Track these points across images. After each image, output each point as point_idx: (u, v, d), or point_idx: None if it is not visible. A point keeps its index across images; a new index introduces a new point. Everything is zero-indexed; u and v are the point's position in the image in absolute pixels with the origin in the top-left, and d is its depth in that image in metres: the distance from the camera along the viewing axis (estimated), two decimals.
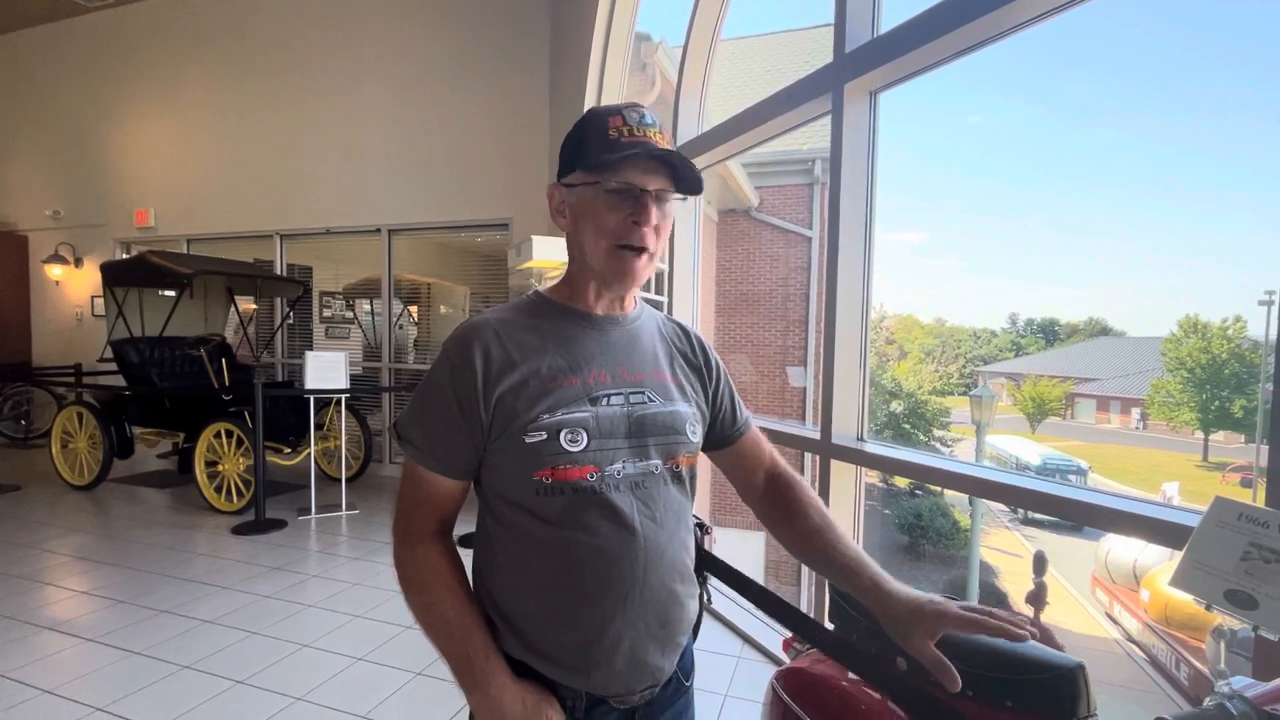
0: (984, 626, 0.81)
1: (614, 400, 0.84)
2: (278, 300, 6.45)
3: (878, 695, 1.30)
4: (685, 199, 0.86)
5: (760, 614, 2.99)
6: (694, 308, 3.61)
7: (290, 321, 6.43)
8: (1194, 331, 26.88)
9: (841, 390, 2.25)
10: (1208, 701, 0.70)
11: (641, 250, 0.82)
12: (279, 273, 6.37)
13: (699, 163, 3.34)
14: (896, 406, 19.19)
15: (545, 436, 0.79)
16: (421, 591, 0.82)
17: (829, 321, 2.27)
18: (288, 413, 4.90)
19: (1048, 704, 1.05)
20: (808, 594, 2.37)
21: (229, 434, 4.51)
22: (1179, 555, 0.80)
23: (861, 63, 2.13)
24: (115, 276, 5.14)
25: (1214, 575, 0.71)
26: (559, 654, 0.82)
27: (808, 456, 6.52)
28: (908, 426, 18.01)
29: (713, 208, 8.23)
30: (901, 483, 17.19)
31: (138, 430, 5.19)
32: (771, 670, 1.54)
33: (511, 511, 0.82)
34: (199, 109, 6.65)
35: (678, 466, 0.87)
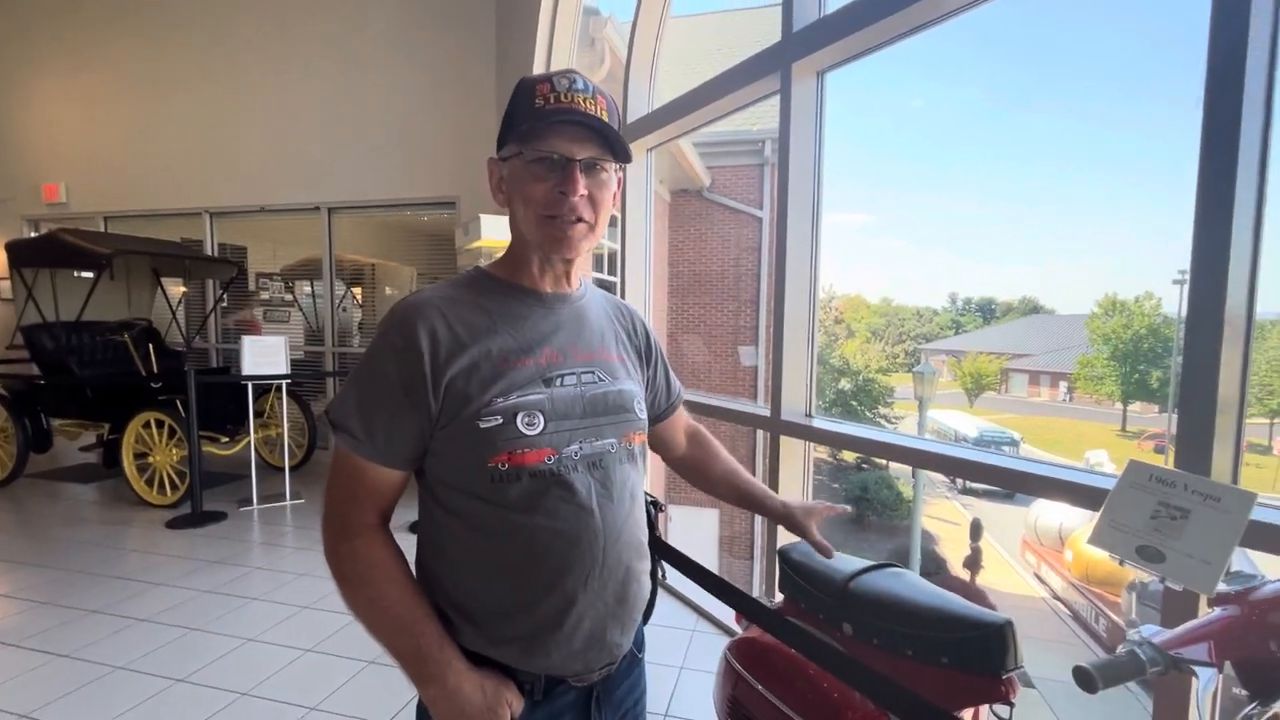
0: (824, 510, 1.13)
1: (568, 380, 0.82)
2: (209, 282, 6.12)
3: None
4: (622, 168, 0.84)
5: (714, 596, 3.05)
6: (646, 289, 3.60)
7: (224, 305, 6.11)
8: (1114, 309, 28.66)
9: (790, 368, 2.30)
10: (1120, 649, 0.75)
11: (575, 220, 0.80)
12: (209, 253, 6.03)
13: (649, 141, 3.31)
14: (845, 384, 19.77)
15: (500, 421, 0.76)
16: (363, 586, 0.77)
17: (778, 300, 2.30)
18: (225, 400, 4.68)
19: (979, 659, 1.12)
20: (760, 566, 2.45)
21: (159, 424, 4.27)
22: (1098, 516, 0.86)
23: (808, 42, 2.14)
24: (22, 257, 4.76)
25: (1127, 533, 0.76)
26: (518, 640, 0.80)
27: (759, 433, 6.66)
28: (855, 404, 18.61)
29: (665, 188, 8.21)
30: (849, 457, 17.79)
31: (56, 422, 4.86)
32: (725, 641, 1.58)
33: (462, 499, 0.79)
34: (115, 77, 6.17)
35: (631, 444, 0.87)
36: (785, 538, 1.41)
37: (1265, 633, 0.76)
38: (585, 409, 0.82)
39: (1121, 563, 0.77)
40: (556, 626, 0.79)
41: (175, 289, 6.11)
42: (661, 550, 1.17)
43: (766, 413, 2.36)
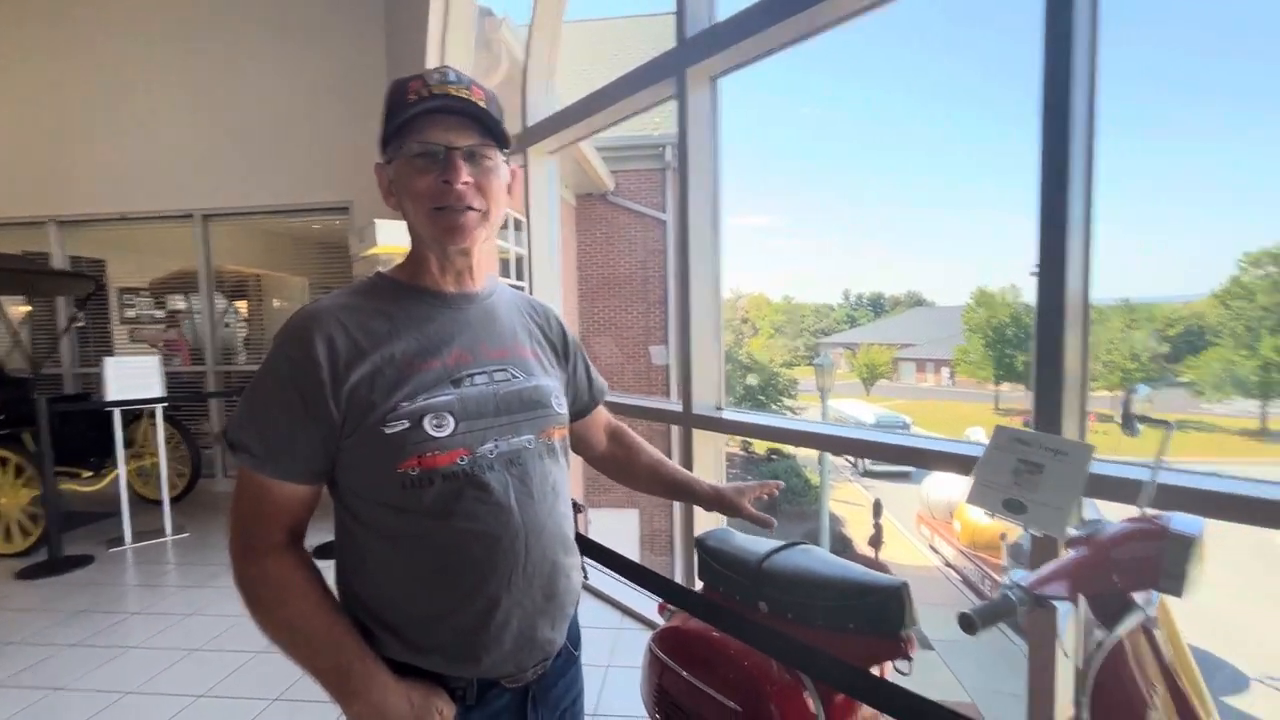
0: (759, 490, 1.19)
1: (478, 379, 0.81)
2: (61, 300, 5.44)
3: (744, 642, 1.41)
4: (508, 154, 0.84)
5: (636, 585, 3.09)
6: (557, 292, 3.59)
7: (80, 324, 5.45)
8: (984, 301, 31.73)
9: (699, 364, 2.37)
10: (995, 594, 0.84)
11: (464, 209, 0.79)
12: (58, 266, 5.36)
13: (550, 144, 3.31)
14: (752, 380, 20.53)
15: (407, 425, 0.74)
16: (277, 608, 0.75)
17: (683, 299, 2.37)
18: (85, 430, 4.18)
19: (880, 621, 1.21)
20: (681, 560, 2.51)
21: (3, 462, 3.75)
22: (972, 477, 0.96)
23: (702, 48, 2.22)
24: None
25: (995, 489, 0.86)
26: (445, 646, 0.78)
27: (674, 430, 6.80)
28: (763, 398, 19.39)
29: (570, 192, 8.20)
30: (760, 450, 18.52)
31: None
32: (649, 636, 1.61)
33: (375, 509, 0.77)
34: None
35: (550, 439, 0.87)
36: (702, 528, 1.46)
37: (1108, 568, 0.88)
38: (499, 407, 0.82)
39: (992, 516, 0.86)
40: (484, 629, 0.78)
41: (16, 309, 5.39)
42: (584, 546, 1.18)
43: (679, 408, 2.42)
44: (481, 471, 0.78)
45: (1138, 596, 0.86)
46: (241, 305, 6.01)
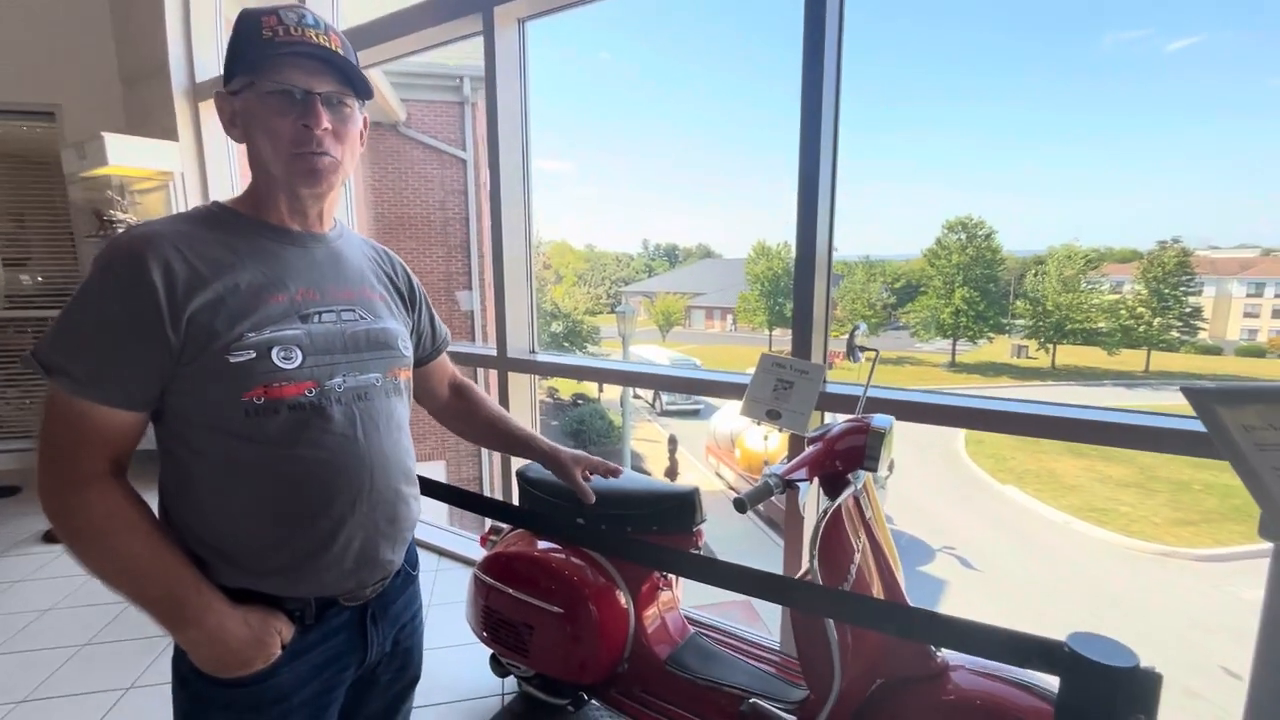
0: (599, 466, 1.25)
1: (325, 317, 0.82)
2: None
3: (562, 554, 1.59)
4: (363, 104, 0.85)
5: (454, 528, 3.13)
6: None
7: None
8: (762, 254, 35.63)
9: (512, 308, 2.44)
10: (758, 481, 1.10)
11: (322, 154, 0.79)
12: None
13: None
14: (557, 327, 20.82)
15: (254, 355, 0.74)
16: (100, 538, 0.72)
17: (496, 245, 2.39)
18: None
19: (679, 519, 1.47)
20: (500, 497, 2.62)
21: None
22: (744, 395, 1.21)
23: None
24: None
25: (760, 403, 1.11)
26: (284, 568, 0.80)
27: (491, 373, 6.73)
28: (567, 345, 19.81)
29: None
30: (565, 395, 19.05)
31: None
32: (469, 570, 1.71)
33: (213, 436, 0.76)
34: None
35: (396, 379, 0.90)
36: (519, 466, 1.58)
37: (833, 456, 1.19)
38: (346, 344, 0.84)
39: (759, 424, 1.12)
40: (326, 550, 0.82)
41: None
42: (425, 486, 1.23)
43: (493, 353, 2.48)
44: (329, 404, 0.80)
45: (851, 476, 1.19)
46: None
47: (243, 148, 0.83)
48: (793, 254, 1.68)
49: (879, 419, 1.19)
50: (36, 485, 0.73)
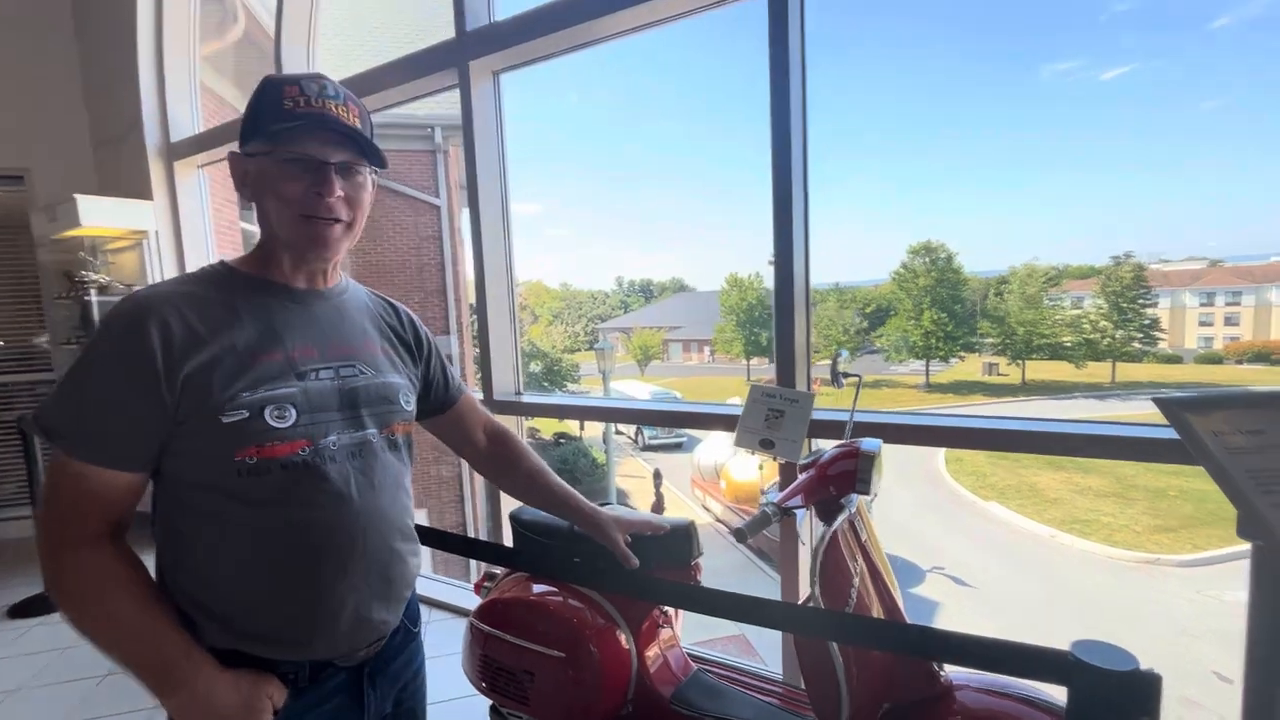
0: (643, 527, 1.26)
1: (323, 375, 0.82)
2: None
3: (559, 596, 1.57)
4: (378, 171, 0.87)
5: (443, 577, 3.07)
6: None
7: None
8: (735, 285, 36.25)
9: (497, 351, 2.45)
10: (756, 512, 1.12)
11: (333, 221, 0.82)
12: None
13: None
14: (535, 367, 20.76)
15: (246, 415, 0.74)
16: (93, 602, 0.71)
17: (479, 290, 2.42)
18: None
19: (677, 553, 1.47)
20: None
21: None
22: (738, 426, 1.23)
23: (483, 43, 2.27)
24: None
25: (753, 432, 1.14)
26: (276, 632, 0.79)
27: None
28: (547, 384, 19.73)
29: None
30: (547, 434, 18.87)
31: None
32: (463, 620, 1.67)
33: (207, 497, 0.75)
34: None
35: (394, 434, 0.90)
36: (510, 509, 1.57)
37: (826, 482, 1.21)
38: (343, 401, 0.84)
39: (753, 453, 1.14)
40: (317, 613, 0.80)
41: None
42: (423, 535, 1.21)
43: (480, 395, 2.48)
44: (322, 462, 0.80)
45: (844, 500, 1.21)
46: None
47: (218, 206, 0.84)
48: (765, 285, 1.73)
49: (868, 442, 1.22)
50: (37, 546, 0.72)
